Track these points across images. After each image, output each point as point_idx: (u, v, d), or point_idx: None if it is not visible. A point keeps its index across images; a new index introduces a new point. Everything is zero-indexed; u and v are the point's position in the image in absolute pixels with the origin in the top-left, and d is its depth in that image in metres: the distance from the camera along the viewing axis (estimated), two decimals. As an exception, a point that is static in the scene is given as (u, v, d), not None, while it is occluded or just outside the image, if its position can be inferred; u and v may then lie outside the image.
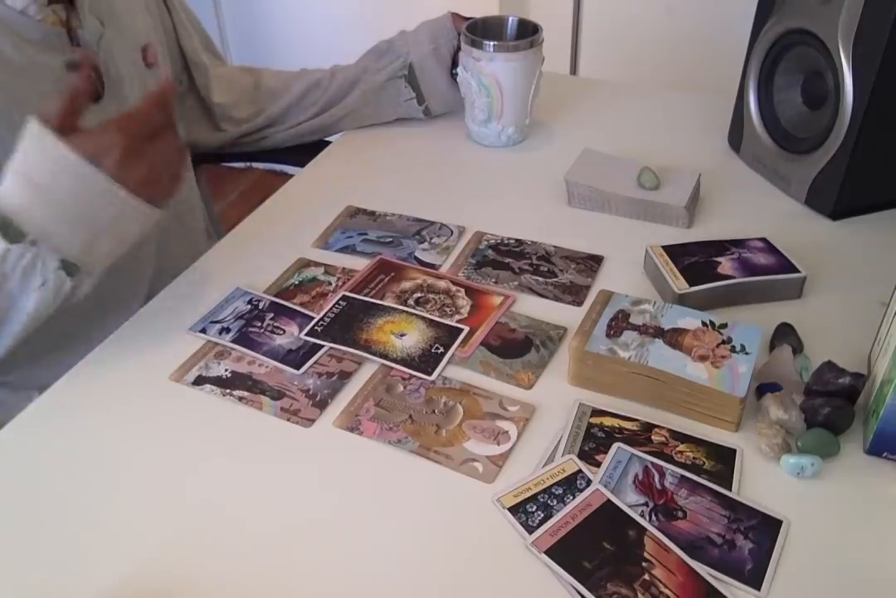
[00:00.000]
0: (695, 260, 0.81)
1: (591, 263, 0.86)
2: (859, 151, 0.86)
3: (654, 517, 0.60)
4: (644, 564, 0.57)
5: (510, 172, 1.03)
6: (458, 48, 1.04)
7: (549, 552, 0.58)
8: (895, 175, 0.91)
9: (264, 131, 1.11)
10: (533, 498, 0.62)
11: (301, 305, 0.81)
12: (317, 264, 0.87)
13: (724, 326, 0.71)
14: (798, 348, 0.73)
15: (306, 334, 0.77)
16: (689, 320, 0.72)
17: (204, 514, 0.62)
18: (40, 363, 0.88)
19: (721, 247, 0.83)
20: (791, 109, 0.95)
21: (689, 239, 0.85)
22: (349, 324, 0.78)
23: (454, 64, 1.06)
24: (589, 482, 0.63)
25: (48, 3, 0.80)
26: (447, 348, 0.75)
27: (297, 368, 0.73)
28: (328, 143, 1.12)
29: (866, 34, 0.81)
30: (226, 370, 0.74)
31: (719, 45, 1.68)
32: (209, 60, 1.08)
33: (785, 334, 0.74)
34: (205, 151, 1.12)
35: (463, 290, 0.82)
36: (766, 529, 0.60)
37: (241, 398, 0.71)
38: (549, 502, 0.61)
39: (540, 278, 0.84)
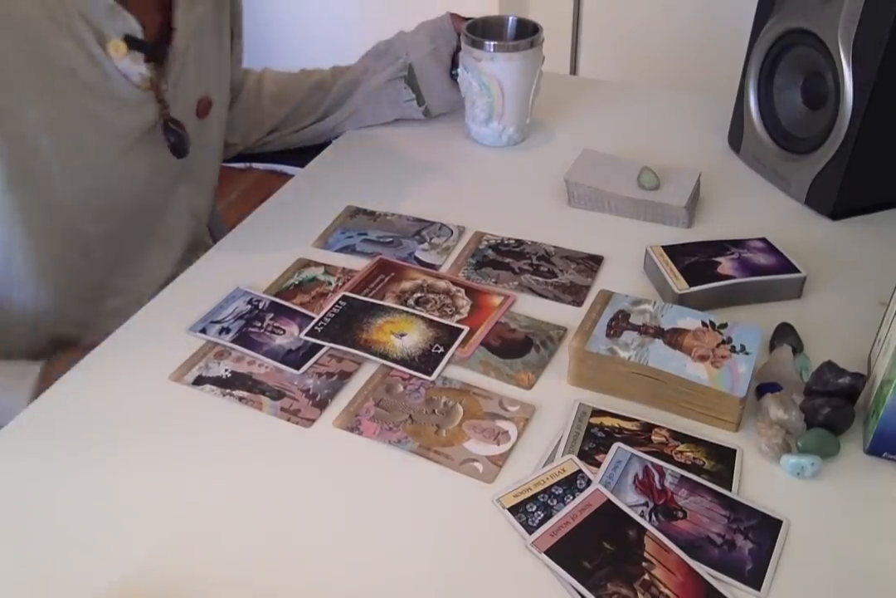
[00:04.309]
0: (695, 260, 0.81)
1: (591, 263, 0.86)
2: (859, 151, 0.86)
3: (654, 517, 0.60)
4: (644, 564, 0.57)
5: (510, 172, 1.03)
6: (458, 49, 1.04)
7: (549, 552, 0.58)
8: (895, 175, 0.91)
9: (269, 137, 1.11)
10: (533, 498, 0.62)
11: (301, 305, 0.81)
12: (317, 264, 0.87)
13: (724, 326, 0.71)
14: (798, 348, 0.73)
15: (306, 334, 0.77)
16: (689, 320, 0.72)
17: (203, 514, 0.62)
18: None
19: (721, 247, 0.83)
20: (791, 109, 0.95)
21: (689, 239, 0.85)
22: (349, 324, 0.78)
23: (454, 64, 1.06)
24: (589, 482, 0.63)
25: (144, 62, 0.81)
26: (447, 348, 0.75)
27: (297, 368, 0.73)
28: (328, 142, 1.12)
29: (866, 34, 0.81)
30: (226, 370, 0.74)
31: (719, 45, 1.68)
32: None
33: (785, 334, 0.74)
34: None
35: (463, 290, 0.82)
36: (766, 529, 0.60)
37: (241, 398, 0.71)
38: (549, 502, 0.61)
39: (540, 278, 0.84)
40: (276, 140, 1.12)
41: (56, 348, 0.87)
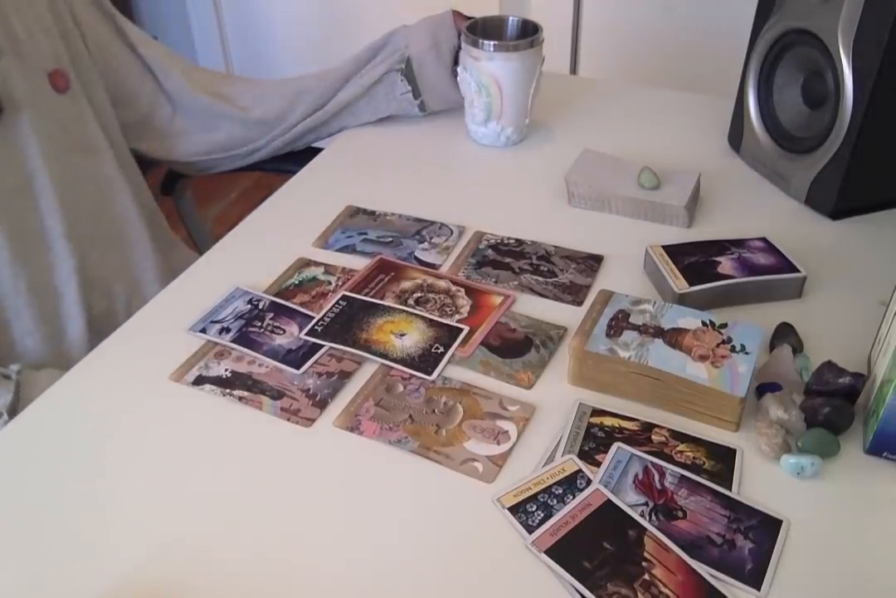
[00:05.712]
0: (695, 260, 0.81)
1: (591, 262, 0.86)
2: (859, 151, 0.86)
3: (654, 517, 0.60)
4: (644, 564, 0.57)
5: (510, 172, 1.03)
6: (459, 46, 1.04)
7: (549, 552, 0.58)
8: (895, 175, 0.91)
9: (256, 143, 1.11)
10: (533, 498, 0.62)
11: (301, 304, 0.81)
12: (317, 264, 0.87)
13: (724, 325, 0.71)
14: (798, 348, 0.73)
15: (306, 334, 0.77)
16: (689, 319, 0.72)
17: (203, 514, 0.62)
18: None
19: (721, 247, 0.83)
20: (791, 108, 0.95)
21: (689, 239, 0.85)
22: (349, 324, 0.78)
23: (455, 62, 1.05)
24: (589, 482, 0.63)
25: None
26: (447, 347, 0.75)
27: (297, 368, 0.73)
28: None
29: (866, 34, 0.81)
30: (226, 370, 0.74)
31: (719, 45, 1.68)
32: (184, 73, 1.06)
33: (785, 334, 0.74)
34: (194, 161, 1.11)
35: (463, 290, 0.82)
36: (766, 529, 0.60)
37: (241, 398, 0.71)
38: (549, 501, 0.61)
39: (540, 278, 0.84)
40: (263, 148, 1.11)
41: None
